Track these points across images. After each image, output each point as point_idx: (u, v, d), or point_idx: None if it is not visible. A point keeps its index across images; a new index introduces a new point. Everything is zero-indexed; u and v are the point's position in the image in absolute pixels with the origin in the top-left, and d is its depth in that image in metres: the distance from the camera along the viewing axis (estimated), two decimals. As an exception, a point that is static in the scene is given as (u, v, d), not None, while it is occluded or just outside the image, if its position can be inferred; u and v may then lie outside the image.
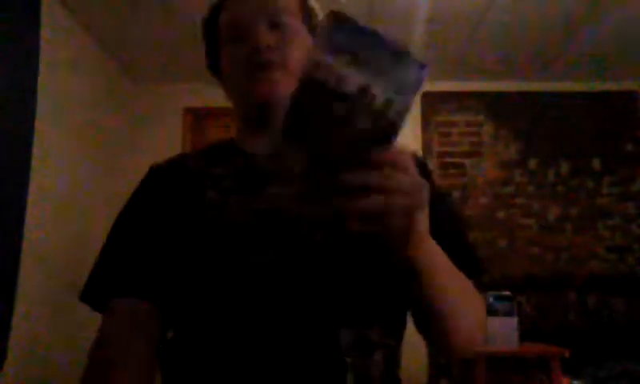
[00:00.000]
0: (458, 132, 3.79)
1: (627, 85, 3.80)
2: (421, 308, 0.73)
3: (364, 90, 0.54)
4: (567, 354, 2.79)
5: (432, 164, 3.74)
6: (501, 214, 3.68)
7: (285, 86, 0.80)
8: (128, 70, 3.59)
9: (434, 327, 0.73)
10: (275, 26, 0.83)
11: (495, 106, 3.80)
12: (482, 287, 0.84)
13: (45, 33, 2.43)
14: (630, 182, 3.73)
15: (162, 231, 0.81)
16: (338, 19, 0.53)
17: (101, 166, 3.27)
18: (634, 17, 2.98)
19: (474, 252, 0.87)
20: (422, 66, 0.55)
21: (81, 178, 3.01)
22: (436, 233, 0.73)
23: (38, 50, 2.36)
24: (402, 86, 0.55)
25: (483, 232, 3.65)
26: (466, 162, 3.76)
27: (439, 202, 0.79)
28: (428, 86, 3.79)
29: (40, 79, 2.37)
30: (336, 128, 0.55)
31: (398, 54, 0.54)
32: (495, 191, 3.72)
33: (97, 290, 0.82)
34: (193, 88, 3.74)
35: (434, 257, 0.69)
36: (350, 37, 0.53)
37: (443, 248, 0.74)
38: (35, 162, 2.38)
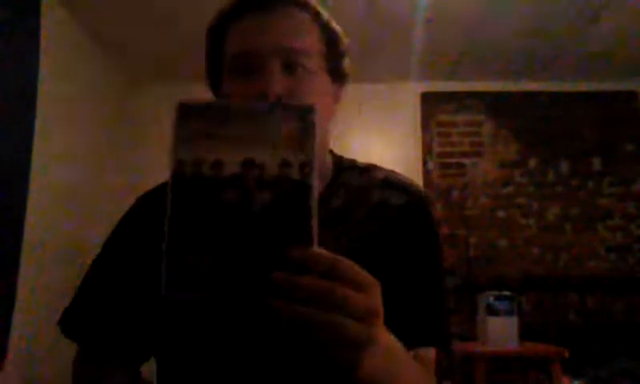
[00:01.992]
0: (458, 132, 3.79)
1: (627, 85, 3.80)
2: None
3: (248, 163, 0.46)
4: (567, 354, 2.82)
5: (432, 164, 3.74)
6: (501, 214, 3.68)
7: None
8: (128, 70, 3.59)
9: None
10: (290, 68, 0.71)
11: (495, 106, 3.80)
12: (449, 356, 0.79)
13: (45, 33, 2.43)
14: (630, 182, 3.73)
15: (136, 282, 0.77)
16: (187, 107, 0.47)
17: (101, 166, 3.26)
18: (635, 17, 2.98)
19: (445, 325, 0.78)
20: (306, 109, 0.48)
21: (80, 177, 3.01)
22: (412, 296, 0.72)
23: (37, 50, 2.36)
24: (292, 139, 0.46)
25: (483, 232, 3.65)
26: (466, 162, 3.75)
27: (428, 262, 0.76)
28: (428, 87, 3.79)
29: (40, 79, 2.38)
30: (234, 222, 0.46)
31: (271, 110, 0.47)
32: (495, 191, 3.72)
33: (75, 328, 0.81)
34: (193, 88, 3.73)
35: (396, 380, 0.56)
36: (209, 119, 0.47)
37: (415, 314, 0.71)
38: (35, 162, 2.38)
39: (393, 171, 0.83)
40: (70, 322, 0.79)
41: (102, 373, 0.77)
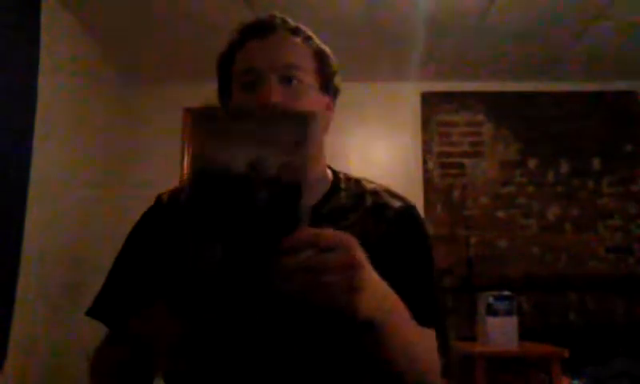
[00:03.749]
0: (458, 132, 3.79)
1: (627, 85, 3.79)
2: (380, 368, 0.73)
3: (253, 166, 0.54)
4: (567, 354, 2.83)
5: (432, 164, 3.74)
6: (501, 214, 3.68)
7: None
8: (128, 70, 3.59)
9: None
10: (287, 80, 0.86)
11: (495, 105, 3.80)
12: (443, 333, 0.86)
13: (45, 33, 2.43)
14: (629, 182, 3.73)
15: (155, 277, 0.84)
16: (203, 114, 0.56)
17: (100, 166, 3.27)
18: (635, 17, 2.98)
19: (435, 304, 0.88)
20: (303, 117, 0.56)
21: (80, 177, 3.01)
22: (401, 284, 0.78)
23: (38, 51, 2.36)
24: (290, 146, 0.55)
25: (483, 232, 3.64)
26: (466, 162, 3.75)
27: (413, 254, 0.88)
28: (428, 87, 3.79)
29: (40, 79, 2.38)
30: (239, 211, 0.55)
31: (274, 118, 0.57)
32: (495, 191, 3.71)
33: (101, 311, 0.90)
34: (193, 88, 3.73)
35: (390, 316, 0.68)
36: (221, 123, 0.56)
37: (405, 299, 0.77)
38: (35, 162, 2.38)
39: (380, 184, 0.97)
40: (98, 306, 0.90)
41: (113, 351, 0.85)
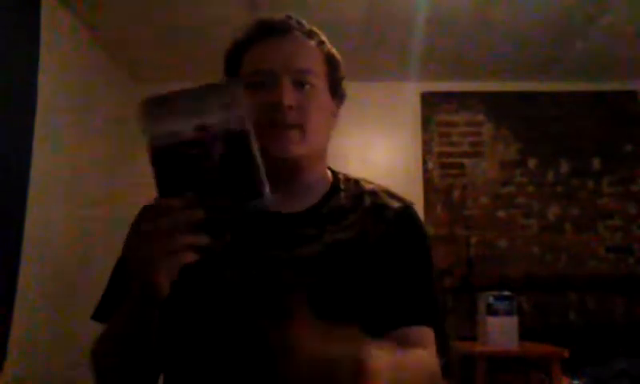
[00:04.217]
0: (458, 132, 3.79)
1: (627, 85, 3.79)
2: None
3: (200, 127, 0.63)
4: (567, 354, 2.82)
5: (432, 164, 3.74)
6: (501, 214, 3.68)
7: (300, 146, 0.85)
8: (128, 69, 3.59)
9: None
10: (299, 84, 0.85)
11: (495, 106, 3.80)
12: (442, 332, 0.87)
13: (45, 32, 2.43)
14: (629, 182, 3.73)
15: None
16: (148, 101, 0.65)
17: (101, 166, 3.26)
18: (635, 17, 2.98)
19: (434, 304, 0.88)
20: (235, 83, 0.66)
21: (80, 177, 3.01)
22: (400, 283, 0.83)
23: (38, 49, 2.36)
24: (226, 105, 0.63)
25: (483, 232, 3.65)
26: (466, 162, 3.75)
27: (411, 254, 0.88)
28: (428, 87, 3.79)
29: (40, 78, 2.38)
30: (202, 168, 0.63)
31: (207, 88, 0.65)
32: (495, 191, 3.72)
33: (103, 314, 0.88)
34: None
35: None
36: (166, 104, 0.65)
37: (404, 299, 0.81)
38: (35, 162, 2.38)
39: (379, 184, 0.97)
40: (103, 310, 0.88)
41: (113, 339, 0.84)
